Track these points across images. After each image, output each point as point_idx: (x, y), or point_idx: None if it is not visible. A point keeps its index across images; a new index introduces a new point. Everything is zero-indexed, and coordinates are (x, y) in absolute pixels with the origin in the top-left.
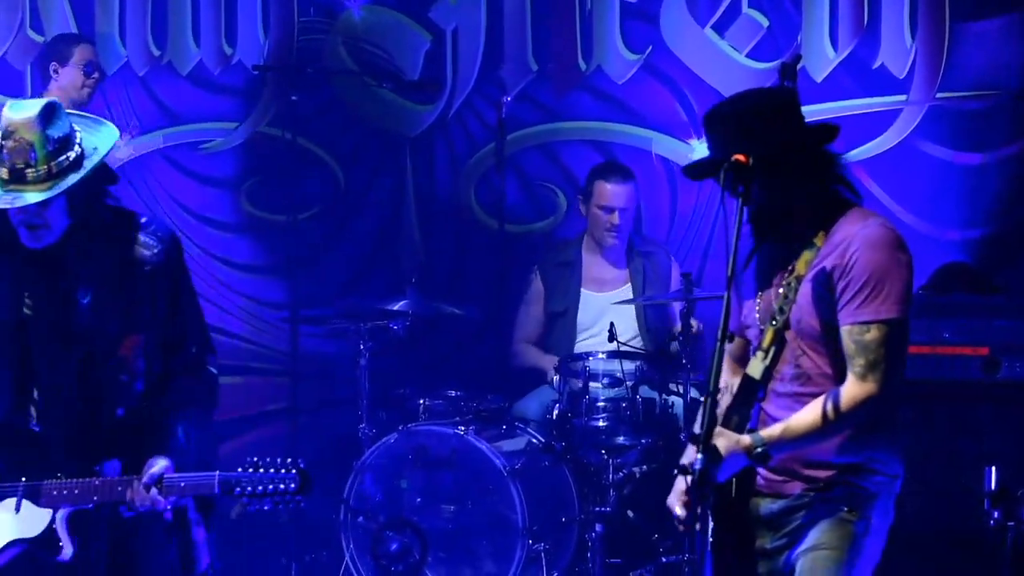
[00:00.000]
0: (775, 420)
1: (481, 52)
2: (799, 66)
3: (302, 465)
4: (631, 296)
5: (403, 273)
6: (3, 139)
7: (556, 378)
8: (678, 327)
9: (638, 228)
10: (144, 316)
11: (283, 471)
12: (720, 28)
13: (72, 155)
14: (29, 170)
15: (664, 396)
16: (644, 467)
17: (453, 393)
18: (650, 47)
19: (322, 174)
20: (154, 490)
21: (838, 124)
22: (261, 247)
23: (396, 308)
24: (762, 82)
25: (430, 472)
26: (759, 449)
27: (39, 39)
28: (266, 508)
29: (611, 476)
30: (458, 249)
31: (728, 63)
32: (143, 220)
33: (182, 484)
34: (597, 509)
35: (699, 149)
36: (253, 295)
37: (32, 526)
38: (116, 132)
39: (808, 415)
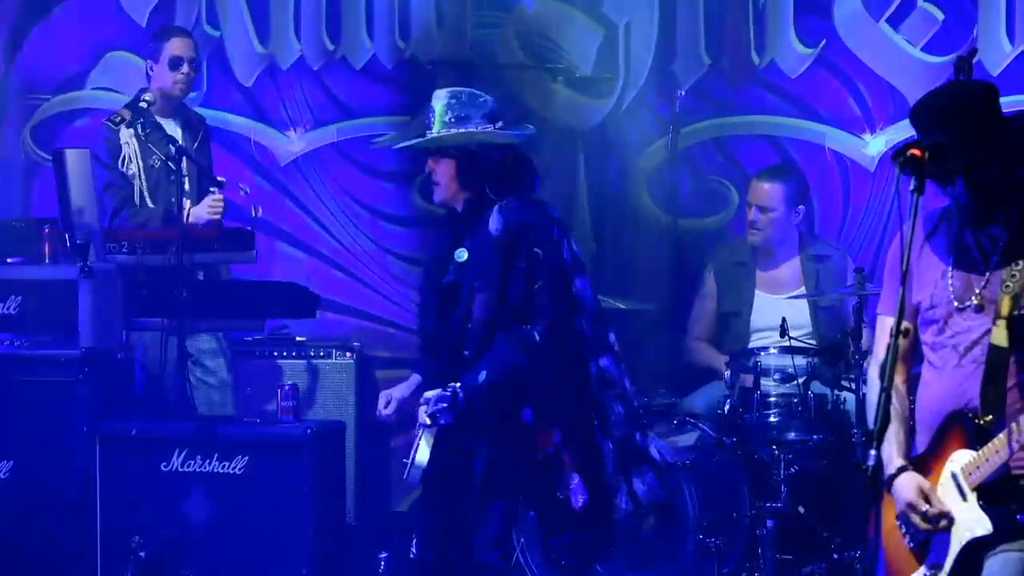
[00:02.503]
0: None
1: (654, 46)
2: (975, 60)
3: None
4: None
5: None
6: None
7: (727, 373)
8: (850, 323)
9: (811, 229)
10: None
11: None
12: (895, 22)
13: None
14: None
15: (836, 392)
16: (815, 463)
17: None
18: (824, 41)
19: None
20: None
21: None
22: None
23: None
24: (937, 77)
25: None
26: None
27: (216, 34)
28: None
29: (782, 472)
30: (630, 244)
31: (903, 57)
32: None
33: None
34: (768, 505)
35: (873, 144)
36: None
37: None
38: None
39: None
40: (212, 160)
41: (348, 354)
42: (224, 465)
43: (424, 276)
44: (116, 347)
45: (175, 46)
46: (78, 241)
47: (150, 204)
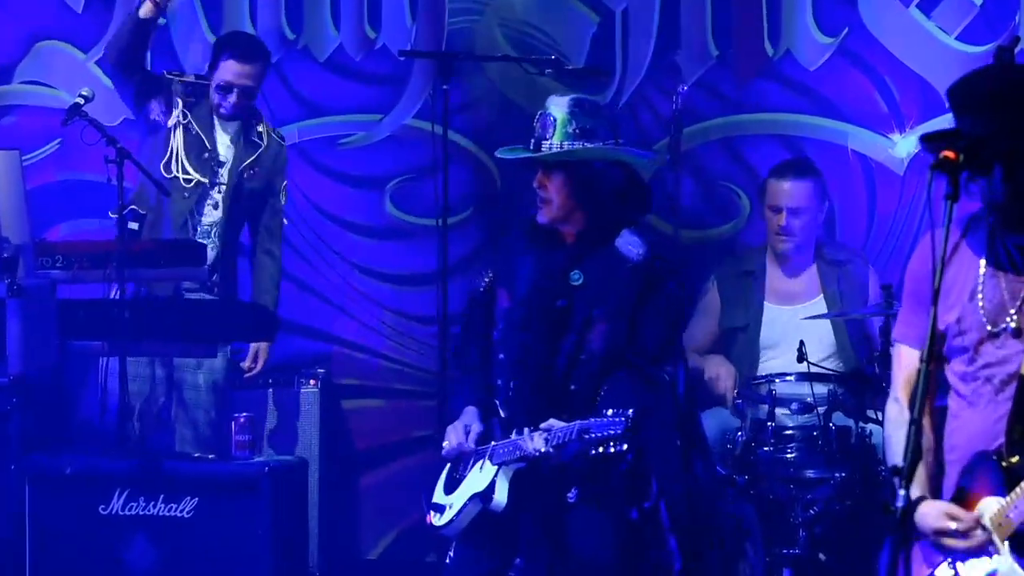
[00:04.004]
0: None
1: (655, 35)
2: (1017, 49)
3: (631, 413)
4: (822, 310)
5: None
6: None
7: (738, 402)
8: (877, 346)
9: (831, 234)
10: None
11: (613, 419)
12: (926, 8)
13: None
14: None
15: (860, 424)
16: (838, 504)
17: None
18: (846, 29)
19: (476, 172)
20: (538, 434)
21: None
22: (407, 255)
23: None
24: (973, 67)
25: None
26: None
27: (160, 21)
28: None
29: (800, 514)
30: None
31: (935, 46)
32: None
33: (555, 429)
34: (785, 551)
35: (901, 144)
36: (398, 308)
37: (483, 481)
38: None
39: None
40: (286, 183)
41: (312, 382)
42: (171, 507)
43: (514, 294)
44: (49, 374)
45: (227, 70)
46: (5, 255)
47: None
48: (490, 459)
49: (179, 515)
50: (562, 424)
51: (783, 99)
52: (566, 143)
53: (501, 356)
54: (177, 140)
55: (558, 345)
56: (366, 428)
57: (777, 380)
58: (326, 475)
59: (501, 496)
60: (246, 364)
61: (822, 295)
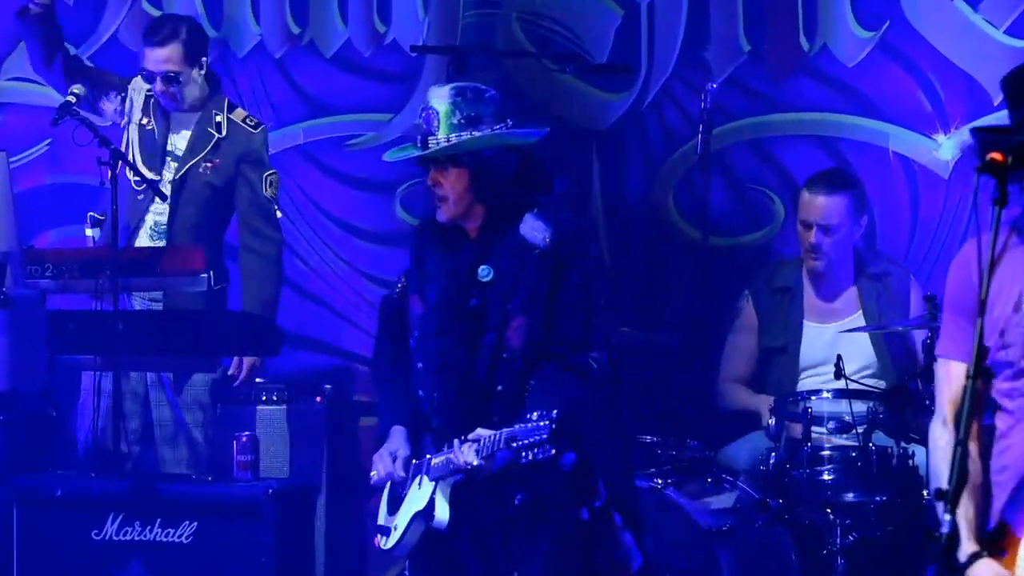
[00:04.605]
0: None
1: (682, 29)
2: None
3: (555, 415)
4: (861, 324)
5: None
6: None
7: (771, 421)
8: (920, 361)
9: (870, 244)
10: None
11: (538, 422)
12: (972, 0)
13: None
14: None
15: (902, 444)
16: (878, 530)
17: (647, 439)
18: (887, 23)
19: None
20: (468, 446)
21: None
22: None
23: None
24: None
25: None
26: None
27: (156, 14)
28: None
29: (838, 540)
30: (653, 265)
31: (982, 41)
32: None
33: (483, 439)
34: None
35: (946, 146)
36: None
37: (423, 498)
38: None
39: None
40: (271, 174)
41: (318, 398)
42: (168, 532)
43: (426, 299)
44: (38, 390)
45: (146, 59)
46: None
47: None
48: (427, 475)
49: (177, 540)
50: (489, 433)
51: (819, 97)
52: (452, 135)
53: (420, 365)
54: (130, 139)
55: (477, 347)
56: (367, 444)
57: (813, 398)
58: (333, 498)
59: (442, 513)
60: (231, 370)
61: (861, 311)
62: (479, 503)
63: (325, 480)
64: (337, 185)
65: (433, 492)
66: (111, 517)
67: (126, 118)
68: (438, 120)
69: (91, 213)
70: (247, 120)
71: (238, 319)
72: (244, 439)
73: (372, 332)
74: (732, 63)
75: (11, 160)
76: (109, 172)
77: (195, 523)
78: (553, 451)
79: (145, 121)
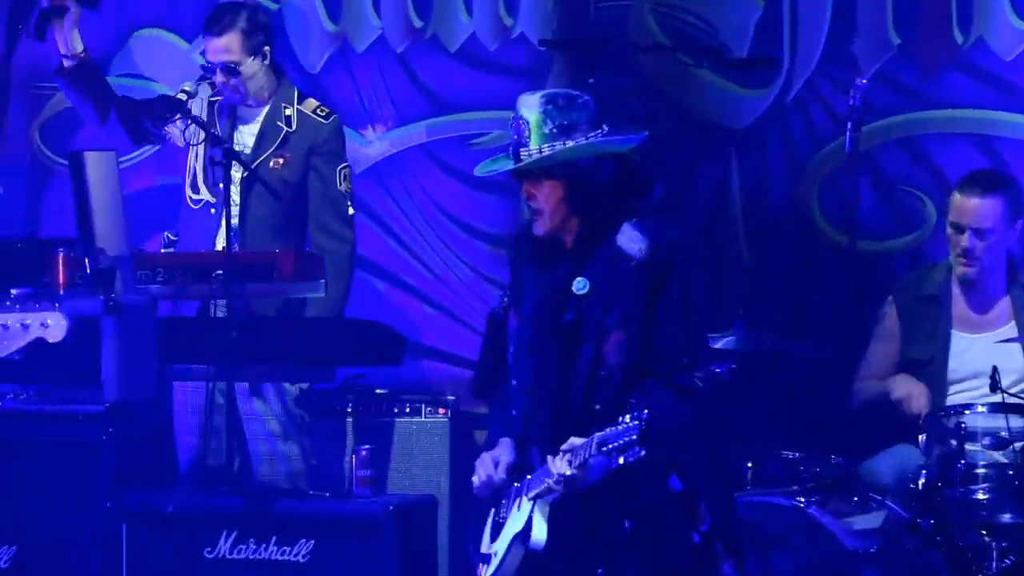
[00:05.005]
0: None
1: (828, 22)
2: None
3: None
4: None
5: (727, 301)
6: None
7: (922, 437)
8: None
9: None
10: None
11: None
12: None
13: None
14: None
15: None
16: None
17: (790, 454)
18: None
19: None
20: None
21: None
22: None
23: (718, 346)
24: None
25: (760, 554)
26: None
27: (274, 7)
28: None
29: (995, 564)
30: (797, 271)
31: None
32: None
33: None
34: None
35: None
36: None
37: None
38: None
39: None
40: (345, 167)
41: (441, 410)
42: (284, 551)
43: (521, 313)
44: (149, 401)
45: (207, 50)
46: (101, 267)
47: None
48: (526, 495)
49: (293, 559)
50: (581, 441)
51: (974, 93)
52: (544, 146)
53: (515, 383)
54: (195, 159)
55: (573, 363)
56: None
57: (967, 412)
58: (456, 514)
59: (539, 533)
60: None
61: (1014, 322)
62: (583, 526)
63: (448, 495)
64: (461, 186)
65: (531, 512)
66: (224, 534)
67: (184, 139)
68: (529, 130)
69: (166, 233)
70: (318, 110)
71: (359, 327)
72: (363, 453)
73: None
74: (881, 57)
75: (120, 160)
76: (223, 172)
77: (312, 541)
78: (643, 452)
79: (207, 133)
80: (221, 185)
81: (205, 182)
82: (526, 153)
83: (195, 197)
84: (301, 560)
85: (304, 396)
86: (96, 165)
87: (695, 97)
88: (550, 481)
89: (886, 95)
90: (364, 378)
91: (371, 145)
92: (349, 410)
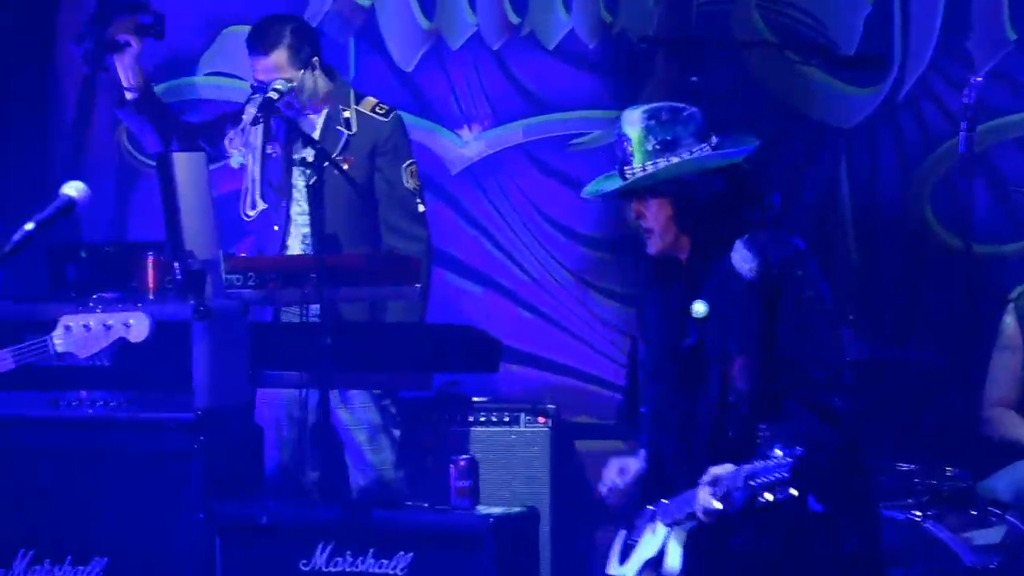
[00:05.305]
0: None
1: (940, 17)
2: None
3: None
4: None
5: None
6: None
7: None
8: None
9: None
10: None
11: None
12: None
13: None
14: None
15: None
16: None
17: (904, 466)
18: None
19: None
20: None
21: None
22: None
23: None
24: None
25: None
26: None
27: (366, 3)
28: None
29: None
30: (910, 276)
31: None
32: None
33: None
34: None
35: None
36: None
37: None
38: None
39: None
40: (411, 163)
41: (541, 419)
42: (382, 564)
43: (648, 339)
44: (240, 408)
45: (256, 68)
46: (191, 271)
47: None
48: (661, 520)
49: (391, 572)
50: (727, 472)
51: None
52: (648, 164)
53: (644, 410)
54: (253, 172)
55: (700, 389)
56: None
57: None
58: (559, 527)
59: (674, 561)
60: None
61: None
62: (717, 555)
63: (550, 507)
64: (560, 187)
65: (666, 538)
66: (320, 547)
67: (249, 140)
68: (632, 148)
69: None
70: (377, 109)
71: (455, 332)
72: (462, 463)
73: (599, 348)
74: (997, 54)
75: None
76: (318, 174)
77: (411, 554)
78: (794, 491)
79: (270, 150)
80: (304, 186)
81: (263, 197)
82: (630, 171)
83: (251, 214)
84: (399, 573)
85: (398, 404)
86: (185, 166)
87: (802, 96)
88: (692, 510)
89: (1002, 93)
90: (459, 386)
91: (467, 145)
92: (447, 419)
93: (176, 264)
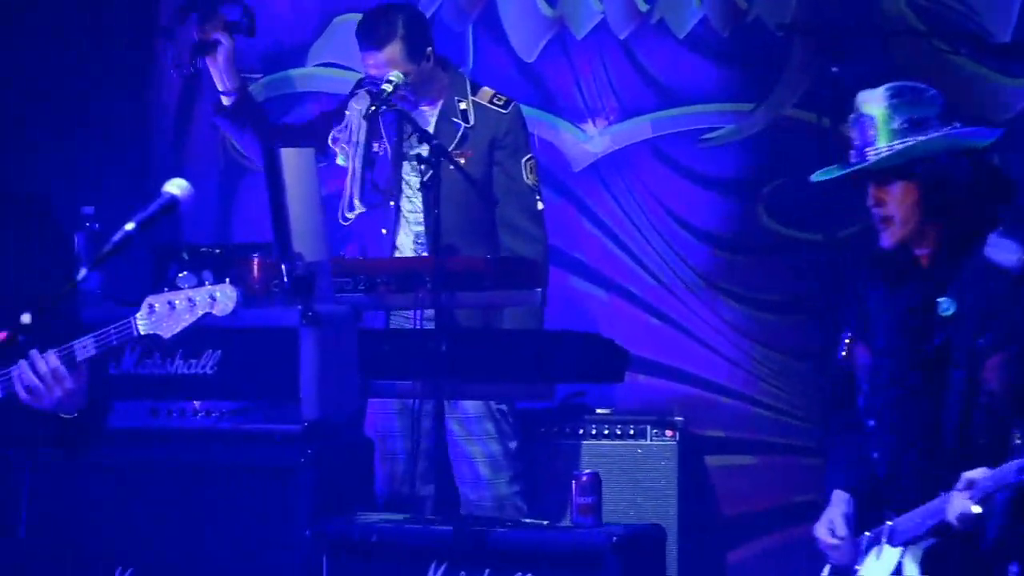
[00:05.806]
0: None
1: None
2: None
3: None
4: None
5: None
6: None
7: None
8: None
9: None
10: None
11: None
12: None
13: None
14: None
15: None
16: None
17: None
18: None
19: None
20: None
21: None
22: (785, 275)
23: None
24: None
25: None
26: None
27: None
28: None
29: None
30: None
31: None
32: None
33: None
34: None
35: None
36: (775, 343)
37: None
38: None
39: None
40: (530, 158)
41: (668, 432)
42: None
43: (874, 345)
44: (350, 419)
45: (367, 62)
46: (299, 274)
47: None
48: (889, 542)
49: None
50: (983, 475)
51: None
52: (895, 142)
53: (872, 423)
54: (355, 169)
55: (943, 394)
56: (735, 490)
57: None
58: (686, 546)
59: None
60: None
61: None
62: (968, 563)
63: (677, 525)
64: (691, 186)
65: (899, 560)
66: (433, 566)
67: (352, 138)
68: (876, 128)
69: None
70: (495, 99)
71: (578, 340)
72: (584, 479)
73: (731, 357)
74: None
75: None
76: (429, 171)
77: (529, 574)
78: None
79: (376, 147)
80: (417, 183)
81: (362, 199)
82: (873, 152)
83: (349, 216)
84: None
85: (515, 415)
86: (292, 163)
87: (952, 87)
88: (935, 524)
89: None
90: (584, 396)
91: (591, 141)
92: (568, 432)
93: (283, 266)
